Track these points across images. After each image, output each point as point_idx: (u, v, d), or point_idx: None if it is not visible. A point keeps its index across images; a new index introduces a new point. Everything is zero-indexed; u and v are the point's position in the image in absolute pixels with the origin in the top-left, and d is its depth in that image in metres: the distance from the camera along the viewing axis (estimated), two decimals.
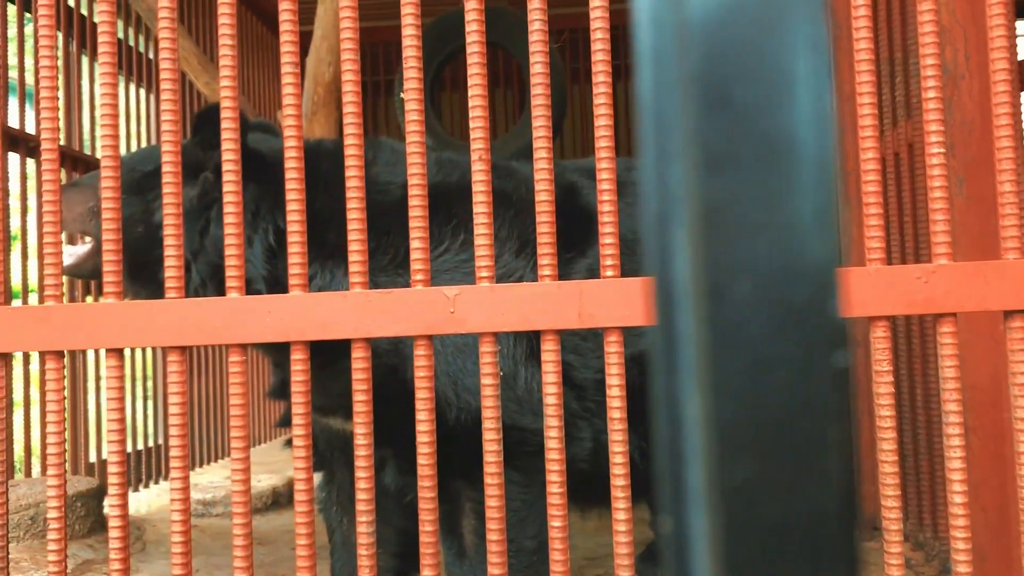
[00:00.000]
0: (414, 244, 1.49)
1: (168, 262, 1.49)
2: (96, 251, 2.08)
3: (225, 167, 1.50)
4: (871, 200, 1.42)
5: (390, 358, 1.88)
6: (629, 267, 1.67)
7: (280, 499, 3.73)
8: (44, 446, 3.93)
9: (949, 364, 1.42)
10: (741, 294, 0.26)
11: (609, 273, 1.49)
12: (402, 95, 1.53)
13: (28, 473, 3.89)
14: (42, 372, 3.84)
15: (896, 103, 2.74)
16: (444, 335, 1.87)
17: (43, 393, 3.77)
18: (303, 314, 1.47)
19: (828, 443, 0.26)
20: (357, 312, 1.47)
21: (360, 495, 1.47)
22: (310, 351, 1.80)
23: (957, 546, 1.41)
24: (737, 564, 0.26)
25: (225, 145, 1.50)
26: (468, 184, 2.04)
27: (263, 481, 3.77)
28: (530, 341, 1.92)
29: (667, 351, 0.27)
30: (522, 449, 1.83)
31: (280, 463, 4.35)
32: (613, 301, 1.46)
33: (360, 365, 1.48)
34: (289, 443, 2.09)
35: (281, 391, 2.13)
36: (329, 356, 1.76)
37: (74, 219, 2.12)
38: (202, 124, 2.07)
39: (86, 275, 2.25)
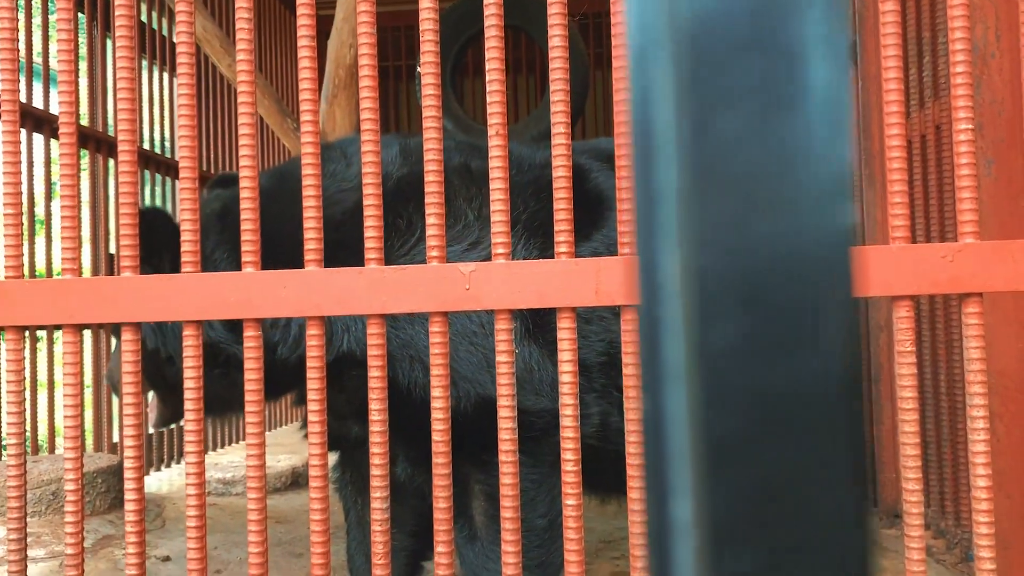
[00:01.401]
0: (430, 220, 1.48)
1: (185, 236, 1.49)
2: (161, 400, 2.16)
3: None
4: (896, 178, 1.39)
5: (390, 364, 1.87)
6: None
7: (299, 479, 3.75)
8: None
9: (975, 345, 1.39)
10: (728, 128, 0.24)
11: (627, 250, 1.47)
12: (419, 70, 1.51)
13: (52, 451, 3.94)
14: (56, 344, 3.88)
15: (923, 84, 2.69)
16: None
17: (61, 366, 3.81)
18: (318, 289, 1.47)
19: (828, 299, 0.24)
20: (372, 288, 1.47)
21: (374, 471, 1.47)
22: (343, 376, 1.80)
23: (980, 531, 1.38)
24: (719, 440, 0.24)
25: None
26: (447, 169, 2.01)
27: (282, 461, 3.80)
28: (525, 319, 1.89)
29: (644, 202, 0.25)
30: (530, 431, 1.82)
31: (299, 444, 4.37)
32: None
33: (376, 341, 1.48)
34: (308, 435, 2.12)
35: (303, 397, 2.15)
36: (334, 372, 1.77)
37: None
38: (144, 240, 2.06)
39: (172, 418, 2.25)
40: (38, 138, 3.89)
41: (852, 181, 0.25)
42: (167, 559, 2.74)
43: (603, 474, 1.89)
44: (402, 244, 1.91)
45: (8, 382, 1.54)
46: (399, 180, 1.98)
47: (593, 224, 1.97)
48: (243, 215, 1.49)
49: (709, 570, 0.23)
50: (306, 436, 2.14)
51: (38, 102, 3.93)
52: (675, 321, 0.25)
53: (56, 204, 4.04)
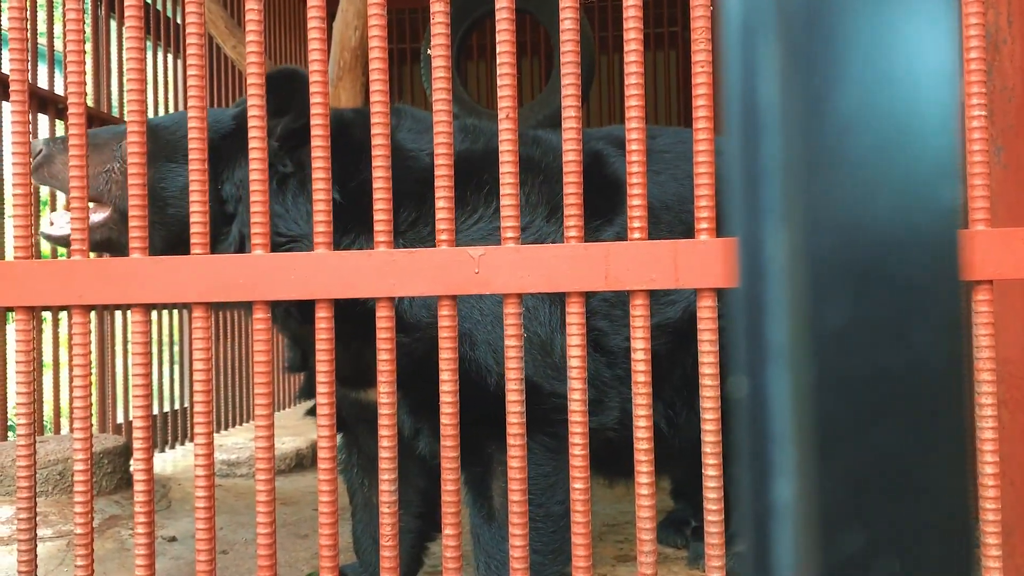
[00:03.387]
0: (439, 204, 1.48)
1: (194, 218, 1.49)
2: (111, 221, 1.90)
3: (251, 122, 1.49)
4: None
5: (432, 331, 1.85)
6: (654, 236, 1.64)
7: (303, 461, 3.76)
8: (72, 400, 3.98)
9: (984, 333, 1.39)
10: (841, 105, 0.23)
11: (636, 236, 1.46)
12: (429, 51, 1.51)
13: (57, 432, 3.95)
14: (69, 327, 3.88)
15: None
16: (483, 306, 1.86)
17: (70, 347, 3.81)
18: (328, 272, 1.47)
19: (937, 279, 0.24)
20: (381, 271, 1.47)
21: (383, 453, 1.47)
22: (353, 328, 1.77)
23: (986, 517, 1.39)
24: (829, 421, 0.24)
25: (252, 101, 1.49)
26: (495, 150, 2.02)
27: (287, 443, 3.81)
28: (564, 307, 1.90)
29: (747, 181, 0.24)
30: (559, 416, 1.82)
31: (303, 426, 4.39)
32: (640, 263, 1.44)
33: (384, 324, 1.48)
34: (310, 412, 2.09)
35: (303, 363, 2.12)
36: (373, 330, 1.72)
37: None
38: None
39: (94, 246, 1.96)
40: (43, 118, 3.88)
41: (959, 160, 0.25)
42: (173, 539, 2.75)
43: (620, 462, 1.90)
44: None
45: (17, 362, 1.54)
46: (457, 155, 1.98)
47: (614, 209, 1.97)
48: (252, 196, 1.49)
49: (817, 551, 0.23)
50: (308, 413, 2.13)
51: (42, 82, 3.92)
52: (781, 301, 0.24)
53: None
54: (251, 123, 1.49)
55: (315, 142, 1.49)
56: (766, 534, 0.25)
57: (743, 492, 0.26)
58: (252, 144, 1.49)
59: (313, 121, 1.50)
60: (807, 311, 0.24)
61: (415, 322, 1.85)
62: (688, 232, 2.02)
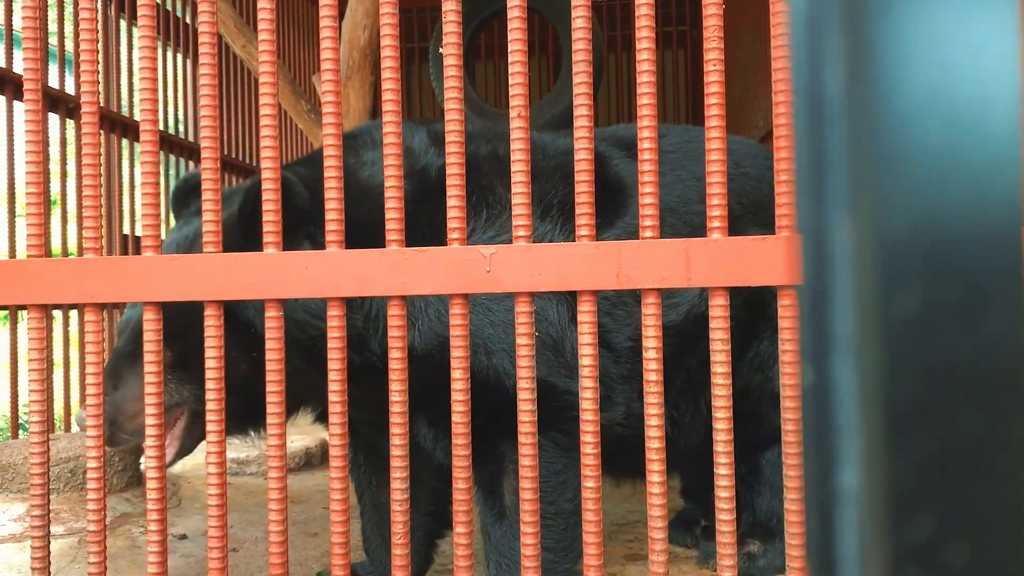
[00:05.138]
0: (451, 202, 1.48)
1: (206, 216, 1.50)
2: (193, 417, 1.81)
3: (265, 133, 1.49)
4: None
5: (442, 354, 1.83)
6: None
7: (312, 459, 3.77)
8: (83, 398, 3.99)
9: None
10: (909, 95, 0.23)
11: (648, 234, 1.46)
12: (440, 50, 1.51)
13: (68, 430, 3.97)
14: (80, 325, 3.90)
15: None
16: (494, 317, 1.85)
17: (81, 346, 3.82)
18: (340, 270, 1.47)
19: (1004, 267, 0.24)
20: (393, 269, 1.47)
21: (395, 451, 1.47)
22: (371, 383, 1.74)
23: None
24: (899, 409, 0.24)
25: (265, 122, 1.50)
26: (474, 156, 2.00)
27: (295, 442, 3.82)
28: (571, 306, 1.89)
29: (813, 172, 0.24)
30: (571, 413, 1.82)
31: (311, 425, 4.39)
32: (652, 262, 1.44)
33: (396, 323, 1.48)
34: (318, 418, 2.11)
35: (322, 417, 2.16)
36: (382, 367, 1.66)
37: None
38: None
39: (192, 448, 1.93)
40: (53, 118, 3.90)
41: (1021, 149, 0.25)
42: (184, 537, 2.76)
43: (625, 459, 1.90)
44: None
45: (31, 360, 1.55)
46: (441, 169, 1.94)
47: (615, 211, 1.97)
48: (264, 196, 1.49)
49: (884, 538, 0.24)
50: (314, 421, 2.15)
51: (53, 81, 3.94)
52: (847, 291, 0.24)
53: (71, 183, 4.05)
54: (263, 121, 1.49)
55: (327, 140, 1.49)
56: (830, 522, 0.25)
57: (806, 480, 0.26)
58: (264, 144, 1.49)
59: (325, 120, 1.50)
60: (876, 300, 0.24)
61: (426, 355, 1.81)
62: (693, 236, 2.01)
